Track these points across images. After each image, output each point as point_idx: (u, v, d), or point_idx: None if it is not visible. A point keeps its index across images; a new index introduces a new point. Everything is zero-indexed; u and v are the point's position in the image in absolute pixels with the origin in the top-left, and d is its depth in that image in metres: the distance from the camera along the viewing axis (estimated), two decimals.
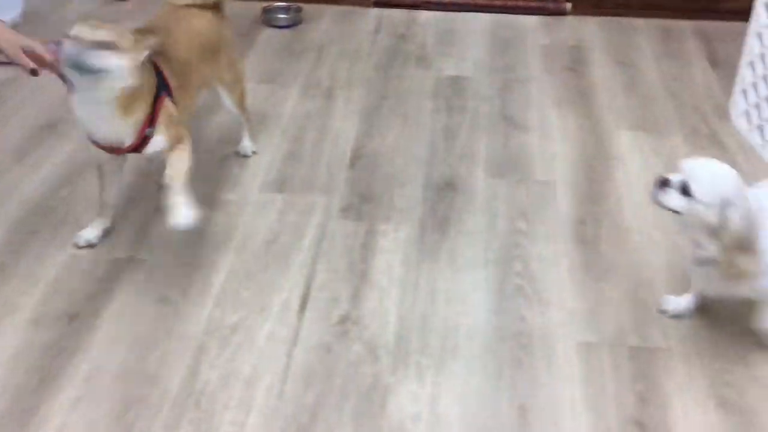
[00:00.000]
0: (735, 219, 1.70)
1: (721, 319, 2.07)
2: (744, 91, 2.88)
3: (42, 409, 1.80)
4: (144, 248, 2.30)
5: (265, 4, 3.73)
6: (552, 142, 2.84)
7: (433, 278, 2.23)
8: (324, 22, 3.72)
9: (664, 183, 1.81)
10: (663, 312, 2.08)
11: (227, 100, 2.60)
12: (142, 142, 2.08)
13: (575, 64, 3.38)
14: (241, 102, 2.65)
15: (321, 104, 3.05)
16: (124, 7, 3.80)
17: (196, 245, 2.30)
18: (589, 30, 3.67)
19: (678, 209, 1.80)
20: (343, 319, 2.08)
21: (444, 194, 2.58)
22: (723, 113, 2.99)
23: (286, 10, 3.71)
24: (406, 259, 2.29)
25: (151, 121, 2.06)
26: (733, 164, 2.69)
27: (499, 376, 1.92)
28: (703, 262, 1.81)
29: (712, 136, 2.87)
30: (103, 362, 1.93)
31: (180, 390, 1.86)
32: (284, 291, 2.17)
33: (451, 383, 1.90)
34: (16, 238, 2.32)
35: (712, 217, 1.73)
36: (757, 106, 2.79)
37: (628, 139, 2.85)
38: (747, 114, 2.87)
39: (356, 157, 2.75)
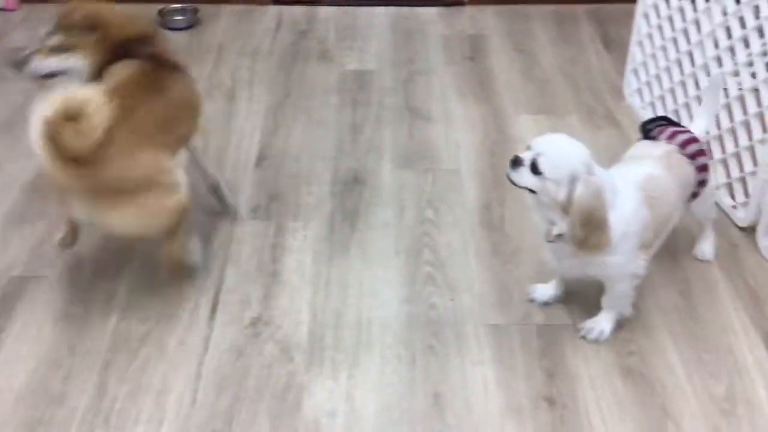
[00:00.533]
0: (581, 194, 1.71)
1: None
2: (635, 71, 2.99)
3: None
4: (43, 265, 2.22)
5: (160, 6, 3.64)
6: (456, 131, 2.88)
7: (345, 273, 2.23)
8: (222, 22, 3.66)
9: (516, 161, 1.79)
10: (531, 301, 2.11)
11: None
12: None
13: (475, 53, 3.43)
14: None
15: (223, 106, 3.01)
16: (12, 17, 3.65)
17: (98, 257, 2.24)
18: (487, 19, 3.74)
19: (530, 187, 1.78)
20: (255, 321, 2.06)
21: (352, 188, 2.58)
22: (617, 93, 3.10)
23: (182, 11, 3.63)
24: (317, 256, 2.29)
25: None
26: (629, 141, 2.80)
27: (412, 365, 1.94)
28: (556, 239, 1.82)
29: (608, 116, 2.97)
30: (3, 385, 1.85)
31: (88, 408, 1.81)
32: (193, 297, 2.13)
33: (366, 376, 1.91)
34: None
35: (561, 193, 1.74)
36: (648, 84, 2.90)
37: (528, 123, 2.91)
38: (639, 92, 2.98)
39: (262, 157, 2.72)
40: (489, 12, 3.80)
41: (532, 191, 1.80)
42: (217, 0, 3.76)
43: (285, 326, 2.05)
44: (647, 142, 2.07)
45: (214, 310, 2.09)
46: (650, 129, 2.08)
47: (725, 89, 2.43)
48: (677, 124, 2.10)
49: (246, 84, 3.15)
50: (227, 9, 3.76)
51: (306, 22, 3.68)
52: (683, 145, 2.00)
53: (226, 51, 3.41)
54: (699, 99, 2.56)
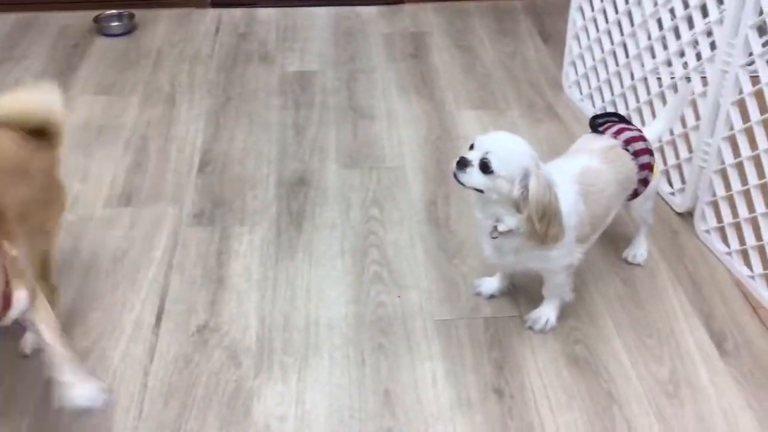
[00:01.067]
0: (535, 189, 1.71)
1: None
2: (573, 63, 3.04)
3: None
4: None
5: (96, 13, 3.57)
6: (399, 128, 2.89)
7: (292, 275, 2.22)
8: (160, 26, 3.61)
9: (463, 162, 1.76)
10: (478, 294, 2.13)
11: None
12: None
13: (416, 50, 3.45)
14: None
15: (163, 111, 2.96)
16: None
17: None
18: (427, 16, 3.76)
19: (480, 186, 1.76)
20: (202, 328, 2.04)
21: (297, 190, 2.57)
22: (556, 85, 3.15)
23: (118, 17, 3.57)
24: (264, 260, 2.27)
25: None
26: (569, 133, 2.85)
27: (362, 365, 1.94)
28: (501, 235, 1.82)
29: (548, 108, 3.01)
30: None
31: (30, 427, 1.76)
32: (137, 308, 2.09)
33: (316, 378, 1.90)
34: None
35: (515, 190, 1.74)
36: (586, 76, 2.95)
37: (471, 119, 2.94)
38: (577, 84, 3.03)
39: (204, 162, 2.69)
40: (429, 9, 3.82)
41: (479, 190, 1.79)
42: (155, 5, 3.71)
43: (232, 332, 2.03)
44: (592, 135, 2.08)
45: (159, 319, 2.06)
46: (599, 124, 2.09)
47: (659, 78, 2.49)
48: (627, 122, 2.11)
49: (186, 89, 3.11)
50: (165, 13, 3.71)
51: (246, 25, 3.65)
52: (628, 142, 2.01)
53: (165, 56, 3.36)
54: (635, 90, 2.62)
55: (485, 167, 1.74)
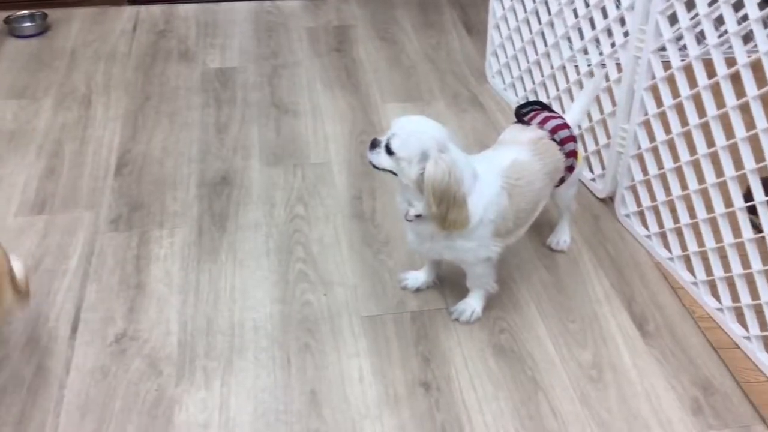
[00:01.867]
0: (431, 172, 1.71)
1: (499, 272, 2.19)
2: (495, 53, 3.05)
3: None
4: None
5: (7, 14, 3.43)
6: (324, 123, 2.85)
7: (215, 277, 2.17)
8: (74, 26, 3.48)
9: (374, 143, 1.81)
10: (404, 288, 2.12)
11: None
12: None
13: (341, 44, 3.41)
14: None
15: (78, 113, 2.86)
16: None
17: None
18: (352, 9, 3.73)
19: (387, 167, 1.79)
20: (120, 337, 1.97)
21: (220, 190, 2.51)
22: (480, 75, 3.16)
23: (30, 18, 3.43)
24: (185, 263, 2.21)
25: None
26: (493, 123, 2.86)
27: (287, 366, 1.91)
28: (415, 219, 1.83)
29: (473, 99, 3.02)
30: None
31: None
32: (51, 319, 2.01)
33: (241, 383, 1.86)
34: None
35: (413, 171, 1.74)
36: (508, 66, 2.97)
37: (396, 111, 2.92)
38: (500, 74, 3.04)
39: (122, 165, 2.60)
40: (353, 2, 3.79)
41: (393, 173, 1.81)
42: (69, 3, 3.58)
43: (152, 339, 1.97)
44: (518, 126, 2.07)
45: (74, 330, 1.98)
46: (524, 113, 2.10)
47: (576, 66, 2.51)
48: (550, 109, 2.12)
49: (102, 89, 3.01)
50: (79, 12, 3.59)
51: (165, 21, 3.56)
52: (554, 131, 2.02)
53: (80, 56, 3.25)
54: (554, 78, 2.65)
55: (388, 148, 1.77)
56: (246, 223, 2.37)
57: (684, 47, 2.04)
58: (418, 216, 1.82)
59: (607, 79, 2.35)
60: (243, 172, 2.59)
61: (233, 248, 2.28)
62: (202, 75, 3.13)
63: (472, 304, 2.03)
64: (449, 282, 2.14)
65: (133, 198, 2.45)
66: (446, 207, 1.73)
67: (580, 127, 2.48)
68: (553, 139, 2.01)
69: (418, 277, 2.13)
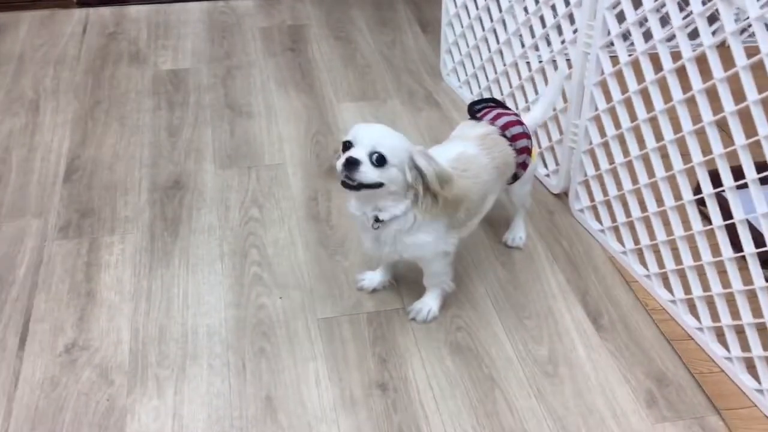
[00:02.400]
0: (425, 164, 1.74)
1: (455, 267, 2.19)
2: (449, 51, 3.05)
3: None
4: None
5: None
6: (278, 124, 2.83)
7: (168, 284, 2.13)
8: (21, 29, 3.40)
9: (353, 162, 1.70)
10: (360, 289, 2.11)
11: None
12: None
13: (295, 43, 3.38)
14: None
15: (25, 119, 2.79)
16: None
17: None
18: (305, 8, 3.70)
19: (378, 180, 1.72)
20: (70, 347, 1.93)
21: (172, 194, 2.47)
22: (436, 73, 3.16)
23: None
24: (137, 270, 2.17)
25: None
26: (449, 120, 2.86)
27: (242, 372, 1.88)
28: (384, 224, 1.81)
29: (428, 97, 3.01)
30: None
31: None
32: None
33: (194, 390, 1.83)
34: None
35: (408, 174, 1.75)
36: (462, 63, 2.97)
37: (351, 110, 2.91)
38: (455, 71, 3.04)
39: (71, 171, 2.55)
40: (308, 1, 3.76)
41: (375, 186, 1.73)
42: (16, 7, 3.50)
43: (103, 348, 1.92)
44: (470, 123, 2.08)
45: (22, 341, 1.93)
46: (477, 110, 2.10)
47: (528, 63, 2.52)
48: (504, 107, 2.12)
49: (51, 94, 2.94)
50: (26, 16, 3.50)
51: (115, 23, 3.49)
52: (505, 127, 2.02)
53: (27, 61, 3.17)
54: (507, 75, 2.65)
55: (381, 160, 1.71)
56: (199, 227, 2.34)
57: (631, 43, 2.05)
58: (381, 221, 1.81)
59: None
60: (196, 176, 2.56)
61: (186, 253, 2.24)
62: (153, 77, 3.08)
63: (429, 303, 2.02)
64: (405, 282, 2.13)
65: (83, 204, 2.40)
66: (448, 186, 1.77)
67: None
68: (504, 135, 2.01)
69: (374, 277, 2.11)
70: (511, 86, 2.64)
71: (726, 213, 1.83)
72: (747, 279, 1.80)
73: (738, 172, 1.74)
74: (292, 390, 1.84)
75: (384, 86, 3.07)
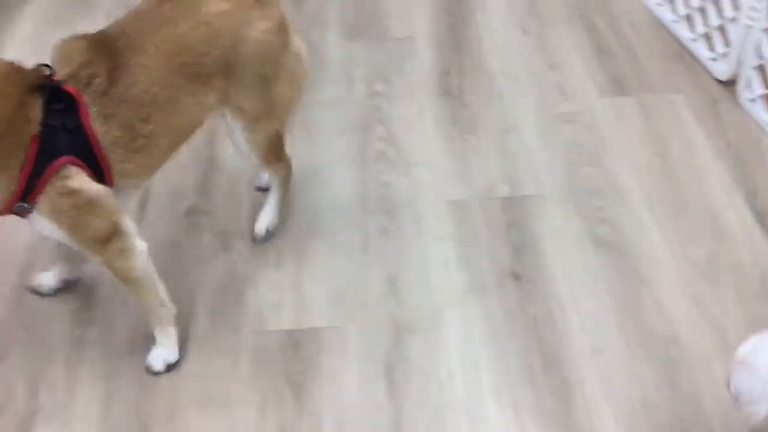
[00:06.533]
0: None
1: (594, 157, 1.97)
2: None
3: None
4: None
5: None
6: None
7: (290, 154, 2.02)
8: None
9: None
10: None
11: (243, 143, 1.63)
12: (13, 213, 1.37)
13: None
14: (270, 149, 1.67)
15: None
16: None
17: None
18: None
19: None
20: (191, 211, 1.86)
21: None
22: None
23: None
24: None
25: (28, 194, 1.32)
26: None
27: (365, 248, 1.77)
28: None
29: None
30: None
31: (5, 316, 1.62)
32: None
33: (315, 265, 1.74)
34: None
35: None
36: None
37: None
38: None
39: None
40: None
41: None
42: None
43: (224, 215, 1.85)
44: None
45: (145, 202, 1.88)
46: None
47: None
48: None
49: None
50: None
51: None
52: None
53: None
54: None
55: None
56: (322, 99, 2.20)
57: None
58: None
59: None
60: (320, 46, 2.39)
61: (308, 125, 2.11)
62: None
63: None
64: (534, 165, 1.94)
65: None
66: None
67: None
68: None
69: None
70: None
71: None
72: None
73: None
74: (418, 271, 1.71)
75: None
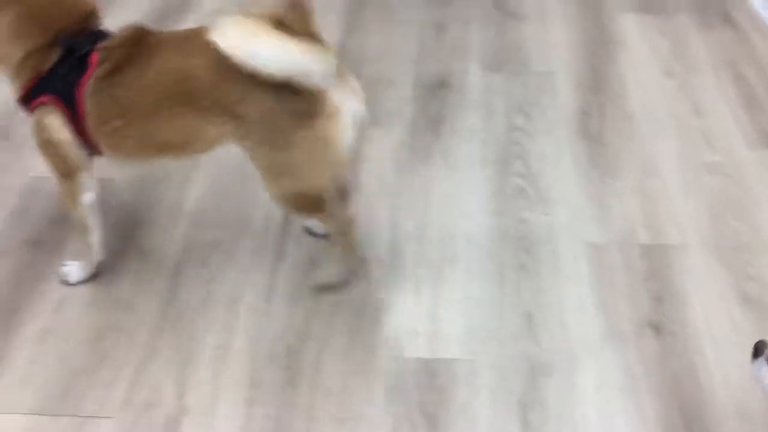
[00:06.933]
0: None
1: (741, 211, 1.92)
2: None
3: (7, 344, 1.66)
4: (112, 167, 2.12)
5: None
6: (550, 30, 2.62)
7: (426, 183, 2.06)
8: None
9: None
10: None
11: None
12: None
13: None
14: (297, 206, 1.67)
15: None
16: None
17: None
18: None
19: None
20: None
21: (436, 92, 2.38)
22: None
23: None
24: (397, 165, 2.12)
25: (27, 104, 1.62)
26: (746, 44, 2.49)
27: (501, 283, 1.78)
28: None
29: (724, 15, 2.64)
30: (71, 290, 1.78)
31: (157, 314, 1.72)
32: (266, 202, 1.99)
33: (451, 293, 1.76)
34: None
35: None
36: None
37: (632, 22, 2.62)
38: None
39: (339, 59, 2.52)
40: None
41: None
42: None
43: (363, 238, 1.90)
44: None
45: (286, 220, 1.96)
46: None
47: None
48: None
49: None
50: None
51: None
52: None
53: None
54: None
55: None
56: (461, 129, 2.23)
57: None
58: None
59: None
60: (461, 76, 2.44)
61: (447, 154, 2.15)
62: None
63: None
64: (678, 214, 1.90)
65: None
66: None
67: None
68: None
69: None
70: None
71: None
72: None
73: None
74: (554, 311, 1.71)
75: None
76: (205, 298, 1.75)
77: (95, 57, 1.55)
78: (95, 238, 1.75)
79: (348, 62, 2.50)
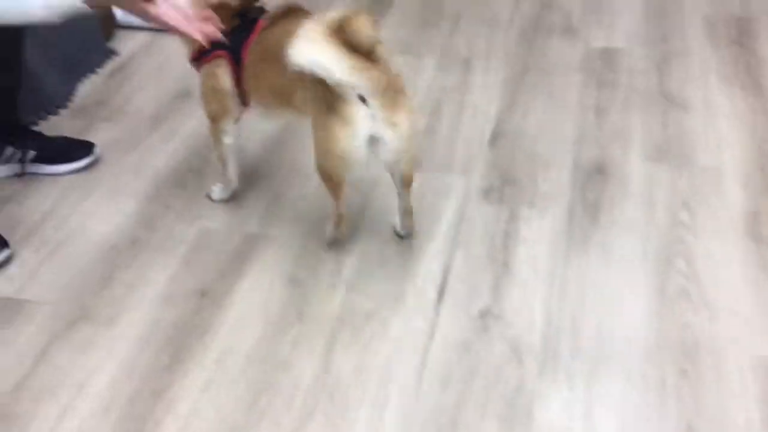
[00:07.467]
0: None
1: None
2: None
3: (172, 391, 1.74)
4: (274, 224, 2.21)
5: None
6: (718, 124, 2.54)
7: (583, 273, 2.02)
8: None
9: None
10: None
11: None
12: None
13: (742, 37, 3.02)
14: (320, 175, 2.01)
15: (458, 77, 2.86)
16: None
17: (325, 224, 2.18)
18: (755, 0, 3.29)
19: None
20: (484, 314, 1.91)
21: (594, 179, 2.34)
22: None
23: None
24: (553, 250, 2.09)
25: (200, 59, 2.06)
26: None
27: (661, 389, 1.71)
28: None
29: None
30: (234, 343, 1.85)
31: (313, 379, 1.76)
32: (420, 277, 2.02)
33: (607, 394, 1.71)
34: (148, 212, 2.27)
35: None
36: None
37: None
38: None
39: (497, 135, 2.55)
40: None
41: None
42: None
43: (516, 325, 1.88)
44: None
45: (441, 294, 1.97)
46: None
47: None
48: None
49: (483, 56, 2.98)
50: None
51: None
52: None
53: (463, 19, 3.25)
54: None
55: None
56: (621, 220, 2.18)
57: None
58: None
59: None
60: (620, 164, 2.39)
61: (605, 246, 2.10)
62: (583, 53, 2.96)
63: None
64: None
65: (505, 171, 2.39)
66: None
67: None
68: None
69: None
70: None
71: None
72: None
73: None
74: (717, 427, 1.62)
75: None
76: (359, 369, 1.78)
77: (260, 23, 1.98)
78: (231, 170, 2.22)
79: (505, 138, 2.55)
